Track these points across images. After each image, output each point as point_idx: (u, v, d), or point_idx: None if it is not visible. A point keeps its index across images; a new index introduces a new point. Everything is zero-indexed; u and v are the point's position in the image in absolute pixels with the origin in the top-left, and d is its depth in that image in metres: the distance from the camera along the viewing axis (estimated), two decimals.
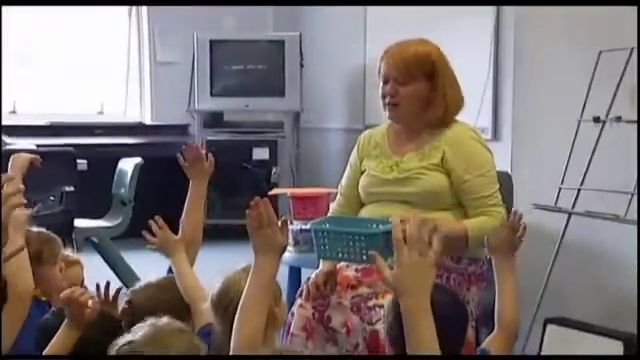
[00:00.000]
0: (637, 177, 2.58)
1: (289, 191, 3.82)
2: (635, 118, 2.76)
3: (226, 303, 1.84)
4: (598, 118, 2.85)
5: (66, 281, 2.21)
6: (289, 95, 5.82)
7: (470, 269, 2.45)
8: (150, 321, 1.50)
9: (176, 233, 2.36)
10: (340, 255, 2.24)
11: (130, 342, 1.47)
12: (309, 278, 2.41)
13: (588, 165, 2.87)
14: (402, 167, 2.47)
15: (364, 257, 2.19)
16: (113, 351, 1.48)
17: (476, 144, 2.46)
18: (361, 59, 5.50)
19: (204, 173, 2.46)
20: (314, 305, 2.32)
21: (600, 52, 2.88)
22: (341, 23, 5.73)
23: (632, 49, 2.79)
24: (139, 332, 1.47)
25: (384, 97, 2.47)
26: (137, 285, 2.10)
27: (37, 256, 2.16)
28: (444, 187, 2.41)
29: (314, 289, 2.35)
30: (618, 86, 2.83)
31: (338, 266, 2.43)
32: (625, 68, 2.80)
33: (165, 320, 1.52)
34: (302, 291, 2.41)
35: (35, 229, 2.26)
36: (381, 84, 2.48)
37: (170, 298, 1.99)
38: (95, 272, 4.25)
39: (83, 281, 2.33)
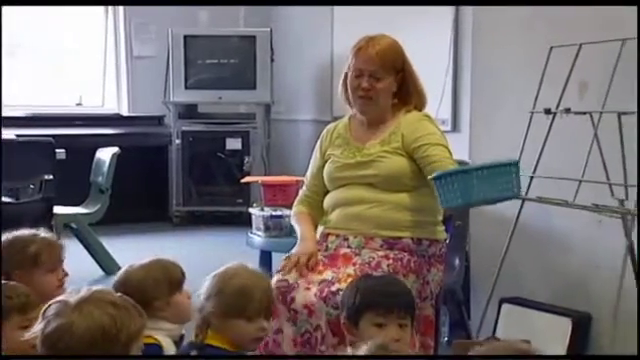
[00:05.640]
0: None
1: (260, 179, 3.81)
2: (583, 110, 2.79)
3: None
4: (549, 110, 2.88)
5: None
6: (260, 88, 5.81)
7: (430, 251, 2.47)
8: (88, 288, 1.48)
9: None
10: (489, 195, 2.14)
11: (61, 301, 1.45)
12: (288, 256, 2.39)
13: (540, 154, 2.89)
14: (364, 152, 2.48)
15: (515, 190, 2.16)
16: (49, 305, 1.47)
17: (427, 122, 2.49)
18: (328, 54, 5.51)
19: None
20: (278, 286, 2.30)
21: (551, 48, 2.90)
22: (309, 20, 5.73)
23: (580, 45, 2.82)
24: (75, 294, 1.45)
25: (356, 89, 2.46)
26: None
27: (34, 259, 2.06)
28: (404, 169, 2.42)
29: (292, 266, 2.34)
30: (567, 80, 2.86)
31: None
32: (574, 63, 2.83)
33: (100, 289, 1.50)
34: (283, 266, 2.38)
35: (42, 233, 2.14)
36: (352, 76, 2.46)
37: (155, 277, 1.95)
38: (74, 257, 4.26)
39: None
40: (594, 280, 3.09)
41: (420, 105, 2.53)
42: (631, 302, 2.69)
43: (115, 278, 1.97)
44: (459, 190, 2.15)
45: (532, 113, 2.95)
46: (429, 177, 2.26)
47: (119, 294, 1.53)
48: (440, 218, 2.54)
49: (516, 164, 2.26)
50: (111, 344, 1.40)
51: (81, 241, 4.43)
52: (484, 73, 3.59)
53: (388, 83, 2.44)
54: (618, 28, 2.84)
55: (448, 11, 4.41)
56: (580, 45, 2.82)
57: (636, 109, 2.61)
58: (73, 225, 4.41)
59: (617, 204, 2.68)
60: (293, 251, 2.41)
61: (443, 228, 2.56)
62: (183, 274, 1.98)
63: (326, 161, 2.56)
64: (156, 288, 1.91)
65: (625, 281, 2.55)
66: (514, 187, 2.22)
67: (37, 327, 1.44)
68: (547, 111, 2.88)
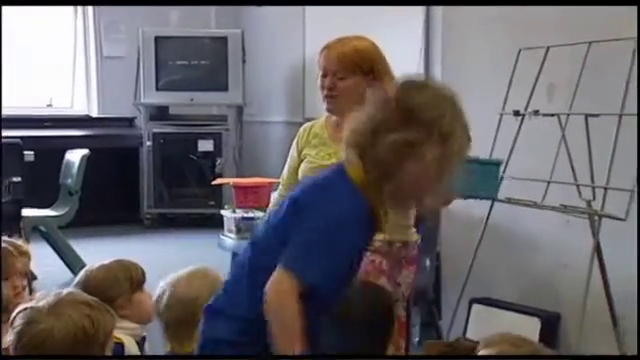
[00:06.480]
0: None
1: (232, 181, 3.81)
2: (551, 112, 2.84)
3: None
4: (518, 112, 2.92)
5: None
6: (232, 90, 5.80)
7: (402, 252, 2.48)
8: (57, 291, 1.49)
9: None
10: (471, 191, 2.05)
11: (31, 307, 1.45)
12: None
13: (509, 155, 2.93)
14: (340, 154, 2.48)
15: (495, 192, 2.04)
16: (16, 314, 1.46)
17: None
18: (300, 55, 5.51)
19: None
20: None
21: (519, 50, 2.94)
22: (281, 21, 5.73)
23: (548, 48, 2.86)
24: (43, 300, 1.45)
25: (322, 89, 2.49)
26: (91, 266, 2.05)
27: None
28: None
29: None
30: (536, 82, 2.90)
31: None
32: (542, 65, 2.87)
33: (70, 291, 1.50)
34: None
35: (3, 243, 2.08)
36: (320, 75, 2.49)
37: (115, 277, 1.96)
38: (43, 260, 4.22)
39: (27, 273, 2.20)
40: (562, 280, 3.14)
41: None
42: (598, 301, 2.73)
43: (76, 279, 1.97)
44: None
45: (501, 115, 2.99)
46: None
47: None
48: (412, 221, 2.56)
49: (499, 164, 2.27)
50: (90, 343, 1.41)
51: (50, 244, 4.39)
52: (454, 75, 3.63)
53: (352, 83, 2.45)
54: (584, 31, 2.89)
55: (419, 12, 4.44)
56: (547, 48, 2.86)
57: (601, 111, 2.66)
58: (42, 228, 4.36)
59: (584, 205, 2.73)
60: None
61: (415, 230, 2.58)
62: (143, 274, 2.00)
63: (302, 160, 2.57)
64: (117, 286, 1.92)
65: (592, 280, 2.59)
66: (494, 188, 2.24)
67: (8, 337, 1.43)
68: (516, 113, 2.92)
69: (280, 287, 1.38)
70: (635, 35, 2.59)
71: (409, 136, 1.39)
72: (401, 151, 1.40)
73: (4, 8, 5.63)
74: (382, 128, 1.41)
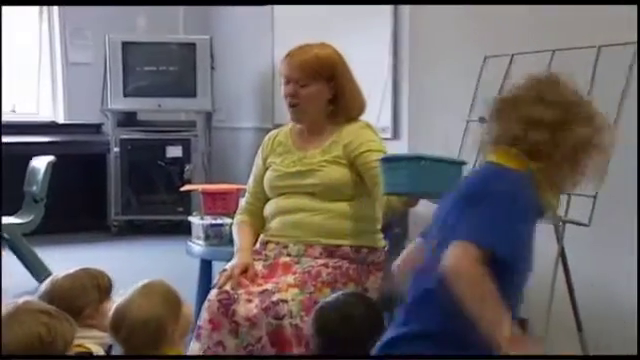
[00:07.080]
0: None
1: (200, 187, 3.79)
2: None
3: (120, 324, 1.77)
4: (484, 118, 2.95)
5: None
6: (201, 96, 5.79)
7: (369, 258, 2.51)
8: (13, 301, 1.48)
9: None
10: (436, 188, 2.02)
11: None
12: (224, 270, 2.40)
13: (475, 162, 2.96)
14: (305, 162, 2.50)
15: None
16: None
17: (368, 130, 2.52)
18: (269, 61, 5.53)
19: None
20: (219, 299, 2.29)
21: (485, 57, 2.98)
22: (250, 27, 5.74)
23: (512, 55, 2.91)
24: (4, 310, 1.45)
25: (285, 96, 2.51)
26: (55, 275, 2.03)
27: None
28: (344, 179, 2.45)
29: (224, 280, 2.34)
30: (501, 89, 2.94)
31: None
32: (507, 72, 2.92)
33: (27, 300, 1.50)
34: (217, 282, 2.39)
35: None
36: (283, 83, 2.51)
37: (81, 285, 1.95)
38: (7, 269, 4.16)
39: None
40: (529, 285, 3.17)
41: (357, 113, 2.57)
42: (562, 305, 2.78)
43: (40, 289, 1.95)
44: (407, 177, 2.12)
45: (468, 121, 3.03)
46: (376, 158, 2.27)
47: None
48: (379, 227, 2.58)
49: (464, 164, 2.31)
50: (48, 352, 1.40)
51: (14, 252, 4.34)
52: (422, 83, 3.67)
53: (315, 90, 2.47)
54: (548, 39, 2.94)
55: (387, 17, 4.48)
56: (512, 55, 2.90)
57: None
58: (5, 235, 4.31)
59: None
60: (229, 264, 2.42)
61: (382, 236, 2.60)
62: (111, 282, 1.98)
63: (267, 169, 2.58)
64: (85, 296, 1.91)
65: (557, 285, 2.64)
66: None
67: None
68: (482, 119, 2.95)
69: (459, 259, 1.39)
70: (598, 44, 2.64)
71: (587, 132, 1.51)
72: (583, 148, 1.53)
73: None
74: (556, 126, 1.51)
